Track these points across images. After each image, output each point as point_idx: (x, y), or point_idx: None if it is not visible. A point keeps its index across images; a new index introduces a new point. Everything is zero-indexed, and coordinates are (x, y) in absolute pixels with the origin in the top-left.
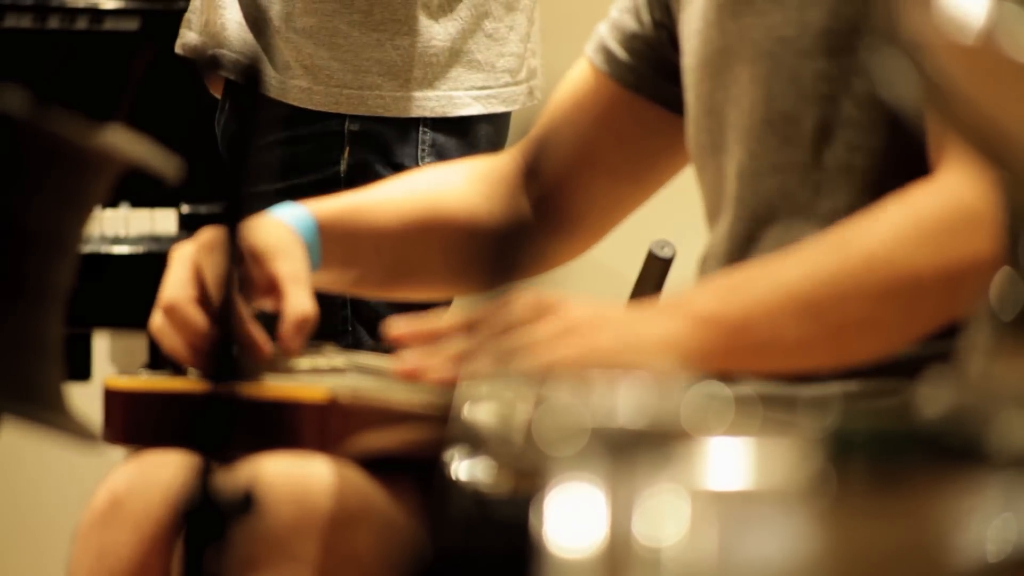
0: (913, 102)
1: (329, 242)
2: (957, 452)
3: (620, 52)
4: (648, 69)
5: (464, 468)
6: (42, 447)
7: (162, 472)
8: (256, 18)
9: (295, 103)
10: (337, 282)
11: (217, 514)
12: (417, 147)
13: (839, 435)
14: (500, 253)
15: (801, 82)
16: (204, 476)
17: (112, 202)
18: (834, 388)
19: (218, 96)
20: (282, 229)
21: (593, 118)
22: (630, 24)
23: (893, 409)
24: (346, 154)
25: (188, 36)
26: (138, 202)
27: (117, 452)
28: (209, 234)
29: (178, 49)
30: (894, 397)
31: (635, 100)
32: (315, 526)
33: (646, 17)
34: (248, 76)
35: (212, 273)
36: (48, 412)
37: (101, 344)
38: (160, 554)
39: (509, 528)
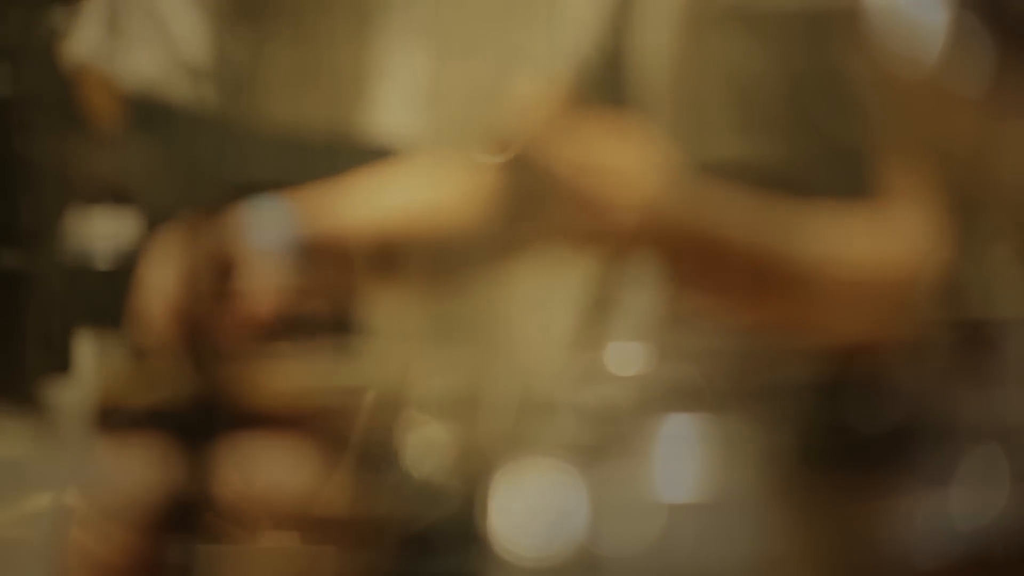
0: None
1: (309, 251)
2: (898, 460)
3: (598, 66)
4: (620, 84)
5: (418, 465)
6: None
7: (147, 466)
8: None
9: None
10: (309, 286)
11: (200, 506)
12: None
13: (794, 444)
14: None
15: (772, 125)
16: (187, 469)
17: (91, 203)
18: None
19: (101, 115)
20: (257, 234)
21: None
22: (598, 38)
23: (839, 417)
24: None
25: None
26: (115, 204)
27: (99, 447)
28: (189, 231)
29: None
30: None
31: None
32: (288, 513)
33: (610, 30)
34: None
35: (200, 268)
36: (27, 405)
37: (83, 339)
38: (149, 546)
39: (462, 528)
